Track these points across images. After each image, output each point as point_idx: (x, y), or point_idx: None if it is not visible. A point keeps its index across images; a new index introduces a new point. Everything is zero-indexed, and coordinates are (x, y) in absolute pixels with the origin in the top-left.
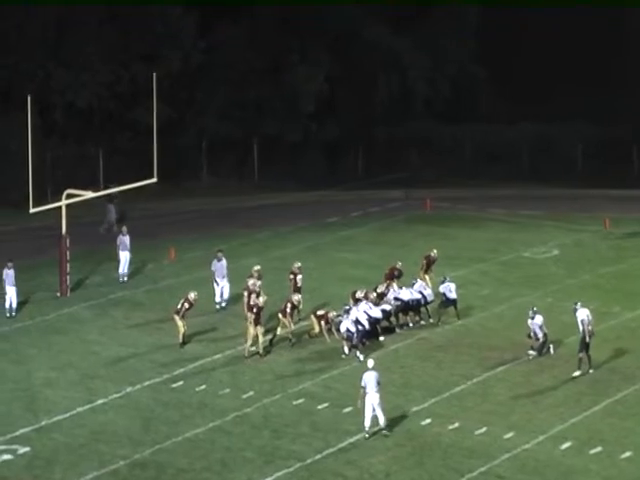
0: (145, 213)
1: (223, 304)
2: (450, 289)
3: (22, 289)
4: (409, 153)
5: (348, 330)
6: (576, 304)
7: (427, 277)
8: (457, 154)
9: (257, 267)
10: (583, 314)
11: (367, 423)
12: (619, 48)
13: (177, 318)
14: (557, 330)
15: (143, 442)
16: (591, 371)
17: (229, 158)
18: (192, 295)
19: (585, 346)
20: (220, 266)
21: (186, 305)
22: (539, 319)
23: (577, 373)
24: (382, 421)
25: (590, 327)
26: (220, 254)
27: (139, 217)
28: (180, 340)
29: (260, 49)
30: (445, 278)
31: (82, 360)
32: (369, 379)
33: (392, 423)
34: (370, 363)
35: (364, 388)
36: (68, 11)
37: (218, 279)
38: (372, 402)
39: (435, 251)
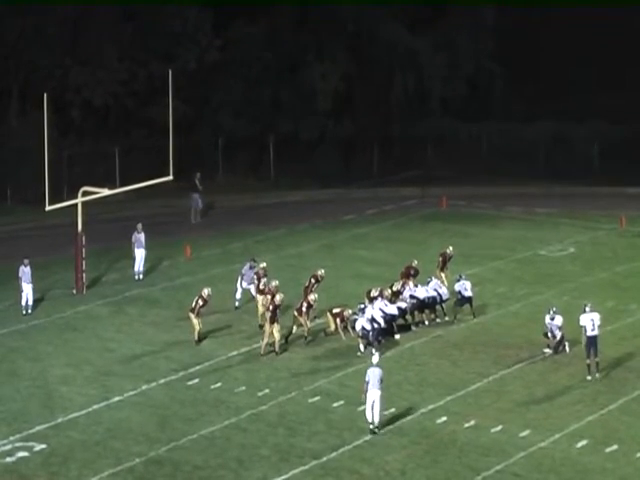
0: (161, 211)
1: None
2: (465, 287)
3: (38, 286)
4: (425, 151)
5: (363, 328)
6: (586, 306)
7: (443, 275)
8: (473, 152)
9: (263, 264)
10: (586, 319)
11: (369, 417)
12: (636, 47)
13: (192, 316)
14: (573, 329)
15: (159, 439)
16: (595, 376)
17: (245, 156)
18: (206, 291)
19: (588, 351)
20: (250, 274)
21: (200, 302)
22: (559, 320)
23: (589, 378)
24: (376, 419)
25: (594, 333)
26: (254, 262)
27: (155, 215)
28: (195, 338)
29: (276, 47)
30: (460, 276)
31: (98, 357)
32: (372, 375)
33: (408, 421)
34: (375, 359)
35: (367, 383)
36: (85, 9)
37: (244, 283)
38: (373, 398)
39: (451, 248)
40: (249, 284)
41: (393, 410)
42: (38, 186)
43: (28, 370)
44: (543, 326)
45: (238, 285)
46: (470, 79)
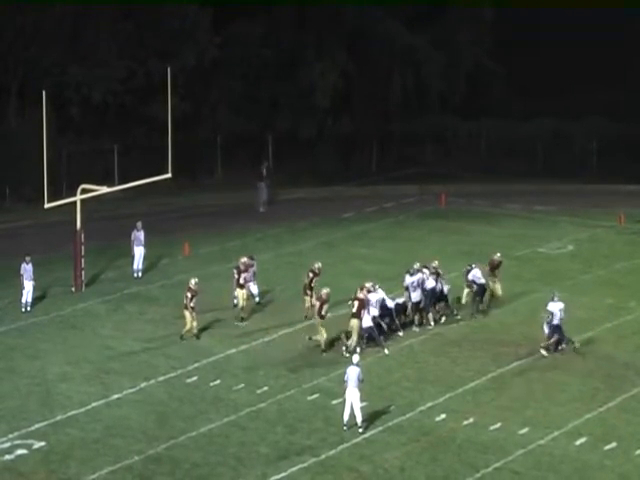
0: (159, 208)
1: (257, 299)
2: (478, 276)
3: (37, 284)
4: (424, 148)
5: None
6: (554, 296)
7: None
8: (472, 149)
9: (243, 259)
10: (555, 307)
11: (346, 417)
12: (635, 44)
13: (186, 312)
14: (573, 326)
15: (158, 437)
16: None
17: (244, 153)
18: (192, 282)
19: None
20: (250, 271)
21: (189, 294)
22: (556, 306)
23: (545, 353)
24: (359, 419)
25: (557, 322)
26: (252, 261)
27: (153, 212)
28: (188, 333)
29: (275, 44)
30: (471, 266)
31: (97, 355)
32: (351, 374)
33: (407, 418)
34: (355, 358)
35: (346, 382)
36: (84, 7)
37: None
38: (351, 398)
39: (499, 254)
40: (248, 281)
41: (392, 407)
42: (37, 184)
43: (27, 368)
44: (543, 318)
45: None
46: (469, 76)
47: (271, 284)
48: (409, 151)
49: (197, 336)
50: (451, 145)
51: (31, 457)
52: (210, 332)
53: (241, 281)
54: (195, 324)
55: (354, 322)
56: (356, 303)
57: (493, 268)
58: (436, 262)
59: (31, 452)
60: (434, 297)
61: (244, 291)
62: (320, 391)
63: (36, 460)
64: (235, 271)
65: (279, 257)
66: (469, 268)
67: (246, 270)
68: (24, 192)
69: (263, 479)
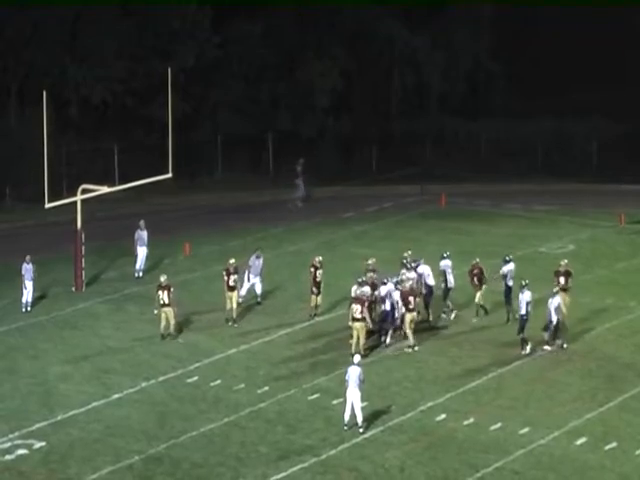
0: (160, 208)
1: (259, 299)
2: (505, 272)
3: (37, 284)
4: (424, 148)
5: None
6: (524, 284)
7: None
8: (472, 149)
9: (232, 260)
10: (528, 297)
11: (346, 417)
12: (635, 43)
13: (167, 309)
14: (573, 325)
15: (158, 437)
16: (527, 349)
17: (244, 153)
18: (162, 279)
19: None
20: (258, 264)
21: (162, 293)
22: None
23: (528, 350)
24: (359, 419)
25: (522, 312)
26: (259, 252)
27: (154, 212)
28: (176, 330)
29: (275, 44)
30: (509, 257)
31: (97, 355)
32: (352, 374)
33: (407, 418)
34: (356, 358)
35: (347, 382)
36: (83, 7)
37: (251, 275)
38: (352, 397)
39: (565, 261)
40: (256, 276)
41: (393, 407)
42: (37, 184)
43: (27, 368)
44: (546, 314)
45: (245, 278)
46: (469, 76)
47: (271, 284)
48: (409, 151)
49: (164, 335)
50: (451, 145)
51: (31, 457)
52: (210, 332)
53: (230, 283)
54: (173, 322)
55: (411, 316)
56: (411, 299)
57: (559, 277)
58: (409, 251)
59: (31, 452)
60: (432, 293)
61: (234, 293)
62: (320, 391)
63: (36, 460)
64: (224, 273)
65: (279, 257)
66: (508, 259)
67: (236, 272)
68: (24, 192)
69: (263, 479)
